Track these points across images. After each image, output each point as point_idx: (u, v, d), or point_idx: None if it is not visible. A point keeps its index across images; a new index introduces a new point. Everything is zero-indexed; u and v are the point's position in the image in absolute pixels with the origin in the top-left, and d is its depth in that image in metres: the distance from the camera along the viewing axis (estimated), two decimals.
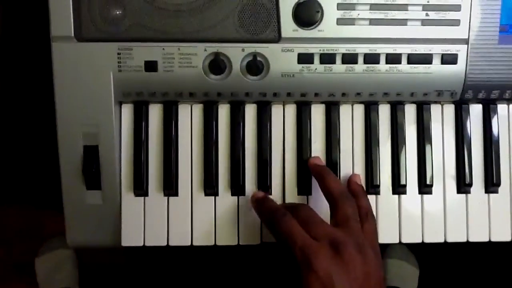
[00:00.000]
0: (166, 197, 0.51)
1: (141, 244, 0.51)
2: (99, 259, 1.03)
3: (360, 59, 0.49)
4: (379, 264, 0.45)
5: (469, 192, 0.52)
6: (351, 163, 0.52)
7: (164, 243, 0.51)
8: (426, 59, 0.49)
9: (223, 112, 0.51)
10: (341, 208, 0.46)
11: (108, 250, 1.01)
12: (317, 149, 0.52)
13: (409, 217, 0.52)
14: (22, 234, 1.04)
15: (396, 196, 0.52)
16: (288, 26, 0.48)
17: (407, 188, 0.52)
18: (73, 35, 0.48)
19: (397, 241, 0.52)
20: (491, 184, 0.52)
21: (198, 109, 0.51)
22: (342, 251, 0.43)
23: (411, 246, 0.49)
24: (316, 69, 0.49)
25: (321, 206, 0.50)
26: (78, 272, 1.01)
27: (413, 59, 0.49)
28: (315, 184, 0.50)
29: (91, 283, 1.03)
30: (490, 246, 0.54)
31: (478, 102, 0.53)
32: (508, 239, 0.52)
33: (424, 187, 0.52)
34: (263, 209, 0.48)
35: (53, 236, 1.00)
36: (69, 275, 1.00)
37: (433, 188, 0.52)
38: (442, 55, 0.49)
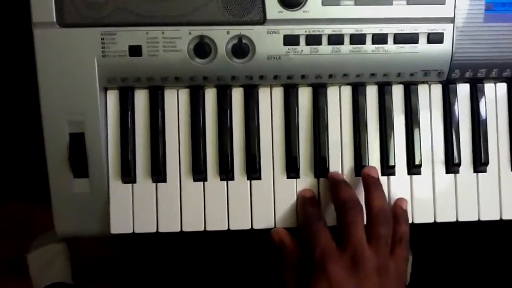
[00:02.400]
0: (154, 184, 0.51)
1: (131, 231, 0.50)
2: (92, 251, 1.03)
3: (346, 40, 0.49)
4: None
5: (458, 172, 0.52)
6: (339, 144, 0.51)
7: (154, 230, 0.50)
8: (412, 38, 0.49)
9: (210, 96, 0.51)
10: (375, 226, 0.47)
11: (101, 242, 1.00)
12: (305, 132, 0.51)
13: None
14: (15, 229, 1.03)
15: (385, 177, 0.52)
16: (273, 8, 0.48)
17: (396, 169, 0.52)
18: (55, 20, 0.47)
19: None
20: (480, 163, 0.52)
21: (184, 93, 0.51)
22: (361, 267, 0.44)
23: None
24: (302, 50, 0.49)
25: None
26: (71, 265, 1.01)
27: (399, 38, 0.49)
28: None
29: (84, 276, 1.03)
30: (481, 226, 0.54)
31: (465, 82, 0.52)
32: (497, 217, 0.52)
33: (413, 168, 0.52)
34: (304, 209, 0.50)
35: (44, 231, 0.99)
36: (62, 270, 0.99)
37: (422, 169, 0.52)
38: (428, 34, 0.49)
